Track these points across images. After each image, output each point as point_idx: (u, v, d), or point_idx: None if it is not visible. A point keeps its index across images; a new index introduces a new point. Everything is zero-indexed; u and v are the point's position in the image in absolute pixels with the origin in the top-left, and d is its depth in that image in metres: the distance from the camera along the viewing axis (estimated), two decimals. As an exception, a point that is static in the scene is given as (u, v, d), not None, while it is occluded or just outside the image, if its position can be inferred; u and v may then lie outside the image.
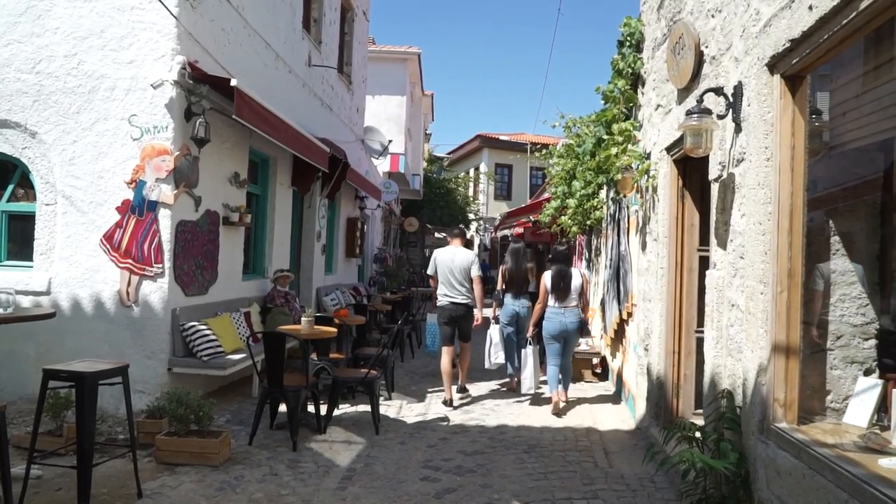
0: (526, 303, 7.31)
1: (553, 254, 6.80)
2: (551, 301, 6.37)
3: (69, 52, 5.45)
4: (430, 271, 6.92)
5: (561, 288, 6.33)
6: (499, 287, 7.57)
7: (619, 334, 7.03)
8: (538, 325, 6.53)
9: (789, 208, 2.95)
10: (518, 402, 6.69)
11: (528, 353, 6.58)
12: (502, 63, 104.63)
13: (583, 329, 6.62)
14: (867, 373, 3.26)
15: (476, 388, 7.22)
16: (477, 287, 6.62)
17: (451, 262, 6.62)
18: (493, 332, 7.18)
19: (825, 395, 3.35)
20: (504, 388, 7.31)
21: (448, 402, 6.39)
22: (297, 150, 6.96)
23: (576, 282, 6.37)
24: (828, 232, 3.46)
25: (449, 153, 29.36)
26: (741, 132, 3.40)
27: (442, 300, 6.65)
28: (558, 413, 6.18)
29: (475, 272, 6.61)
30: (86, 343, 5.30)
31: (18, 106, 5.49)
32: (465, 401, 6.63)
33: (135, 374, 4.29)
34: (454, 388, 6.63)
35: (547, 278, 6.41)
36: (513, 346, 7.29)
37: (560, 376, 6.37)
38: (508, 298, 7.34)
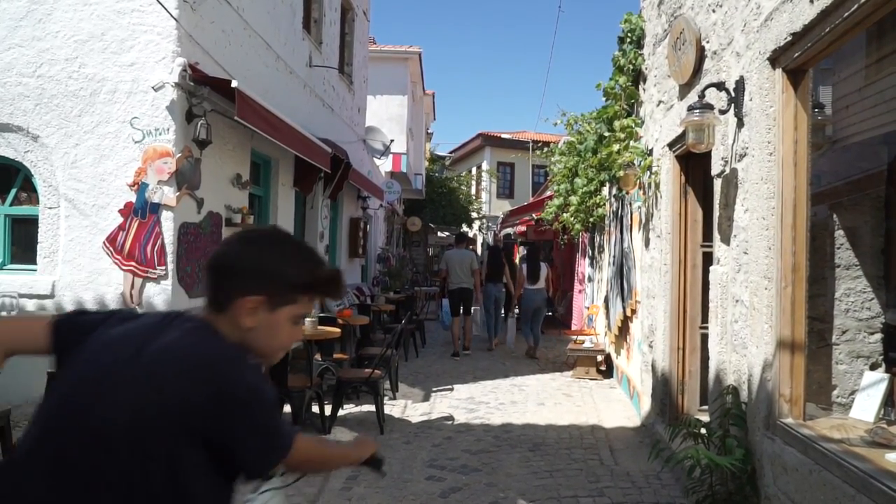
0: (502, 288, 10.06)
1: (528, 251, 10.38)
2: (527, 284, 9.53)
3: (70, 55, 5.46)
4: (442, 266, 10.15)
5: (533, 275, 9.52)
6: (483, 277, 10.16)
7: (624, 331, 7.02)
8: (519, 300, 9.90)
9: (793, 203, 2.94)
10: (522, 401, 6.69)
11: (510, 323, 10.17)
12: (503, 61, 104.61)
13: (548, 303, 10.30)
14: (873, 367, 3.25)
15: (480, 387, 7.23)
16: (475, 277, 9.72)
17: (459, 260, 9.70)
18: (477, 314, 10.54)
19: (831, 390, 3.34)
20: (488, 349, 9.94)
21: (456, 354, 9.28)
22: (299, 150, 6.95)
23: (543, 271, 9.60)
24: (832, 226, 3.45)
25: (451, 152, 29.32)
26: (743, 127, 3.38)
27: (453, 286, 9.68)
28: (531, 356, 9.31)
29: (475, 266, 9.74)
30: (90, 346, 5.31)
31: (20, 110, 5.50)
32: (467, 353, 9.46)
33: (139, 376, 4.29)
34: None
35: (524, 269, 9.67)
36: (492, 319, 10.08)
37: (531, 335, 9.45)
38: (490, 286, 9.99)
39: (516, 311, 10.44)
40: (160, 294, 5.40)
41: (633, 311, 6.44)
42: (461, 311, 9.65)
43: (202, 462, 1.23)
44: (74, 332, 1.39)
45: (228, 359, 1.28)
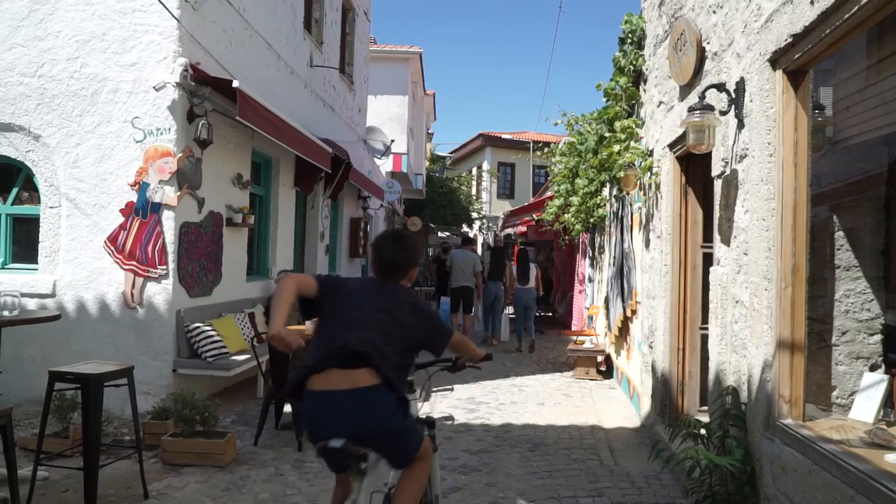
0: (501, 286, 10.79)
1: (518, 255, 10.81)
2: (518, 284, 10.37)
3: (72, 55, 5.47)
4: (448, 264, 11.16)
5: (523, 276, 10.33)
6: (485, 275, 11.10)
7: (624, 332, 7.02)
8: (511, 299, 10.70)
9: (793, 204, 2.94)
10: (522, 402, 6.70)
11: (503, 319, 10.92)
12: (504, 61, 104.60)
13: (537, 301, 10.92)
14: (873, 368, 3.25)
15: (480, 388, 7.23)
16: (476, 279, 10.78)
17: (463, 261, 10.76)
18: (479, 310, 11.63)
19: (831, 390, 3.34)
20: (482, 340, 10.57)
21: None
22: (300, 150, 6.97)
23: (532, 272, 10.40)
24: (832, 227, 3.45)
25: (451, 152, 29.31)
26: (744, 128, 3.39)
27: (455, 284, 10.71)
28: (522, 350, 9.99)
29: (478, 269, 10.81)
30: (91, 345, 5.32)
31: (22, 109, 5.51)
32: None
33: (140, 375, 4.30)
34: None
35: (514, 270, 10.58)
36: (488, 315, 10.92)
37: (524, 331, 10.19)
38: (490, 284, 10.77)
39: (510, 308, 11.25)
40: (161, 293, 5.41)
41: (634, 312, 6.44)
42: (461, 307, 10.75)
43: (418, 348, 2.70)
44: (329, 285, 2.66)
45: (422, 301, 3.03)
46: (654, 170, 5.40)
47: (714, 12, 3.96)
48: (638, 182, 5.89)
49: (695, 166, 4.75)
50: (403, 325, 2.56)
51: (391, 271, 2.73)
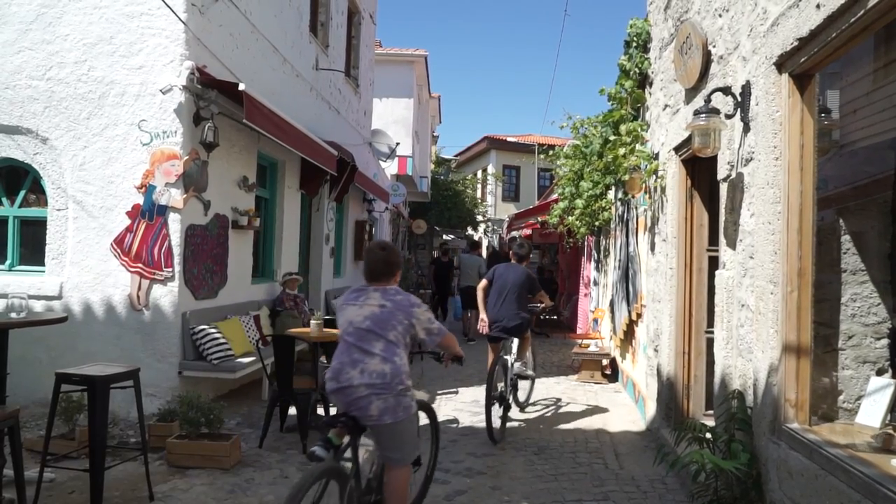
0: None
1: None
2: None
3: (79, 58, 5.51)
4: (456, 265, 12.86)
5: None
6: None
7: (629, 335, 7.01)
8: None
9: (799, 207, 2.93)
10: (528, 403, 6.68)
11: None
12: (509, 64, 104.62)
13: None
14: (880, 372, 3.23)
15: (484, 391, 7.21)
16: (481, 280, 11.91)
17: (470, 263, 11.70)
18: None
19: (837, 395, 3.33)
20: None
21: (465, 333, 11.34)
22: (305, 153, 6.99)
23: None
24: (838, 231, 3.44)
25: (456, 155, 29.33)
26: (750, 131, 3.38)
27: (463, 284, 11.64)
28: None
29: (482, 271, 10.95)
30: (97, 347, 5.34)
31: (30, 112, 5.55)
32: (472, 342, 10.60)
33: (146, 377, 4.32)
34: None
35: None
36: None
37: None
38: None
39: None
40: (167, 296, 5.43)
41: (639, 315, 6.43)
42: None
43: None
44: (491, 274, 6.11)
45: (530, 271, 6.30)
46: (660, 173, 5.39)
47: (720, 16, 3.96)
48: (643, 185, 5.88)
49: (700, 169, 4.75)
50: (523, 282, 5.84)
51: (520, 259, 6.10)
